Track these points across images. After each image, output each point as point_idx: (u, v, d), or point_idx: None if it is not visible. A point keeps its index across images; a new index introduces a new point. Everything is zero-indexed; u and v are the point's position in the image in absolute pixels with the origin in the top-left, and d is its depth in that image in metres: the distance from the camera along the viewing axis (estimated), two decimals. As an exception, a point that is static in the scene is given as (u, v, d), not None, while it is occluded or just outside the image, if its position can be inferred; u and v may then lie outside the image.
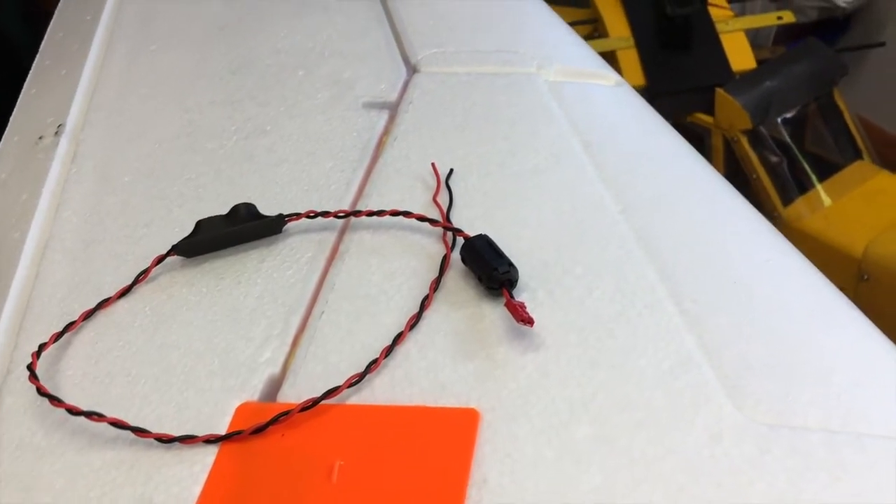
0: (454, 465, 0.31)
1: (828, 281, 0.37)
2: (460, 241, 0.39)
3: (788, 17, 1.26)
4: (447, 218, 0.41)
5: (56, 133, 0.55)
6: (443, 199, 0.43)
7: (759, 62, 1.22)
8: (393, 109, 0.51)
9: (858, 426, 0.30)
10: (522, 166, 0.44)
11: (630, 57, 1.21)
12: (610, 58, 1.25)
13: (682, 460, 0.30)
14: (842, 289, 1.04)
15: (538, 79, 0.51)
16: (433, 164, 0.44)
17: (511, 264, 0.36)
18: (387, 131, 0.49)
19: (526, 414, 0.32)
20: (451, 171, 0.44)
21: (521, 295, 0.37)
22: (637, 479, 0.29)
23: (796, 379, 0.32)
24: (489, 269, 0.36)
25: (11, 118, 0.61)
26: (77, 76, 0.61)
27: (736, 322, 0.34)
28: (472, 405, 0.32)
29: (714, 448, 0.30)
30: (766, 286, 0.36)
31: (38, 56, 0.68)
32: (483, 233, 0.39)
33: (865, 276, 1.05)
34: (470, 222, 0.41)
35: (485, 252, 0.37)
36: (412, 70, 0.54)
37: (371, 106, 0.51)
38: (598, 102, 0.50)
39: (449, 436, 0.32)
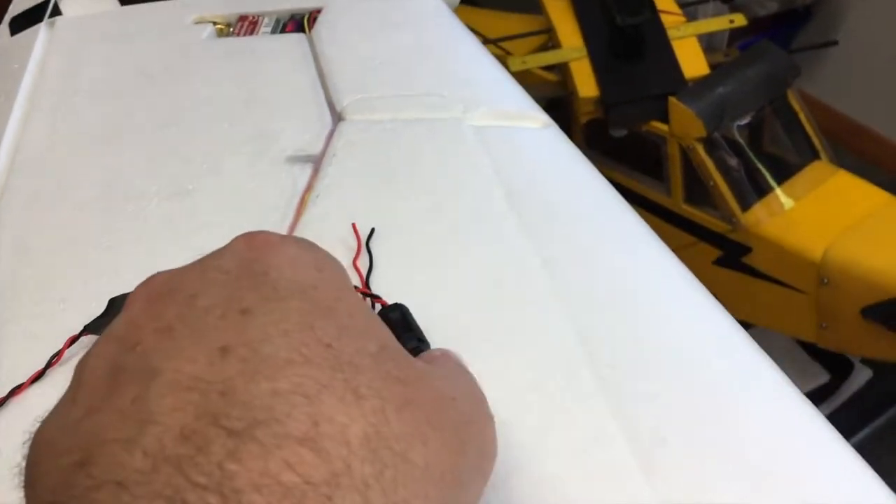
0: None
1: (754, 344, 0.36)
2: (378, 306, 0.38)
3: (740, 20, 1.26)
4: (366, 284, 0.40)
5: (-25, 198, 0.54)
6: (364, 261, 0.42)
7: (715, 66, 1.21)
8: (317, 163, 0.49)
9: (776, 502, 0.29)
10: (444, 223, 0.43)
11: (583, 67, 1.20)
12: (563, 69, 1.24)
13: (594, 547, 0.29)
14: (803, 293, 1.05)
15: (463, 124, 0.50)
16: (353, 226, 0.43)
17: (421, 339, 0.35)
18: (309, 187, 0.48)
19: (438, 501, 0.31)
20: (372, 231, 0.43)
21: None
22: (549, 570, 0.28)
23: (712, 453, 0.31)
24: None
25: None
26: (1, 134, 0.59)
27: (654, 391, 0.34)
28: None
29: (627, 532, 0.29)
30: (687, 350, 0.36)
31: (-37, 110, 0.66)
32: (400, 302, 0.38)
33: (825, 280, 1.05)
34: (390, 287, 0.40)
35: (397, 325, 0.36)
36: (337, 118, 0.53)
37: (295, 160, 0.50)
38: (524, 147, 0.49)
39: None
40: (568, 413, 0.33)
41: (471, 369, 0.35)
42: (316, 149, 0.51)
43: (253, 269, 0.22)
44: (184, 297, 0.21)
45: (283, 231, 0.45)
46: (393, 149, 0.49)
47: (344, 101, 0.53)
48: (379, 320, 0.24)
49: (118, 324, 0.22)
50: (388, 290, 0.39)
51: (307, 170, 0.49)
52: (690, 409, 0.33)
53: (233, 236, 0.45)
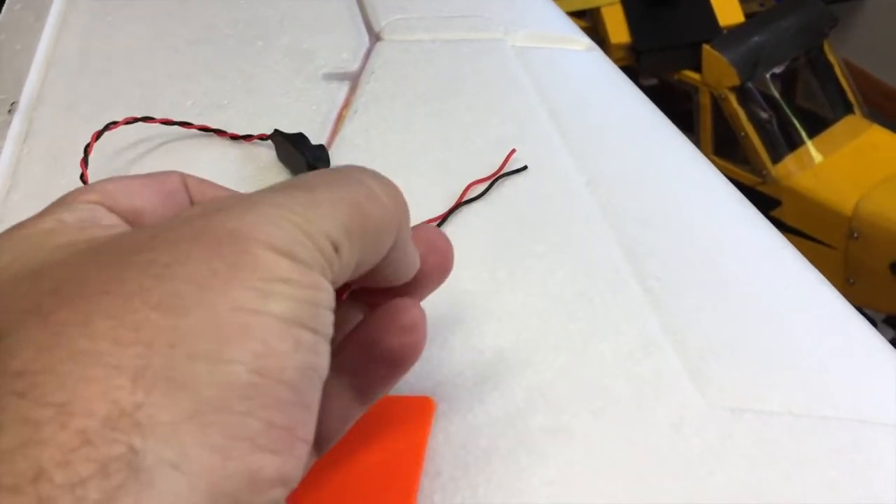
0: (408, 456, 0.30)
1: (802, 257, 0.36)
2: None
3: (777, -32, 1.22)
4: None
5: (9, 111, 0.53)
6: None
7: (748, 16, 1.18)
8: (354, 80, 0.49)
9: (823, 409, 0.29)
10: (486, 139, 0.42)
11: (615, 13, 1.18)
12: (595, 14, 1.22)
13: (641, 450, 0.28)
14: (832, 247, 1.04)
15: (505, 44, 0.49)
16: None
17: None
18: (347, 104, 0.47)
19: (482, 403, 0.31)
20: None
21: (482, 274, 0.35)
22: (594, 470, 0.28)
23: (760, 362, 0.31)
24: None
25: (-32, 94, 0.59)
26: (32, 51, 0.59)
27: (701, 303, 0.33)
28: (428, 394, 0.31)
29: (675, 436, 0.29)
30: (734, 265, 0.35)
31: (-6, 30, 0.65)
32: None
33: (856, 234, 1.03)
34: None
35: None
36: (375, 38, 0.52)
37: (331, 77, 0.49)
38: (567, 69, 0.48)
39: (403, 425, 0.31)
40: (615, 323, 0.33)
41: (515, 279, 0.35)
42: (353, 67, 0.50)
43: None
44: None
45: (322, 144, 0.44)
46: (432, 68, 0.48)
47: (382, 21, 0.52)
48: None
49: None
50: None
51: (344, 87, 0.48)
52: (739, 321, 0.32)
53: (271, 146, 0.44)
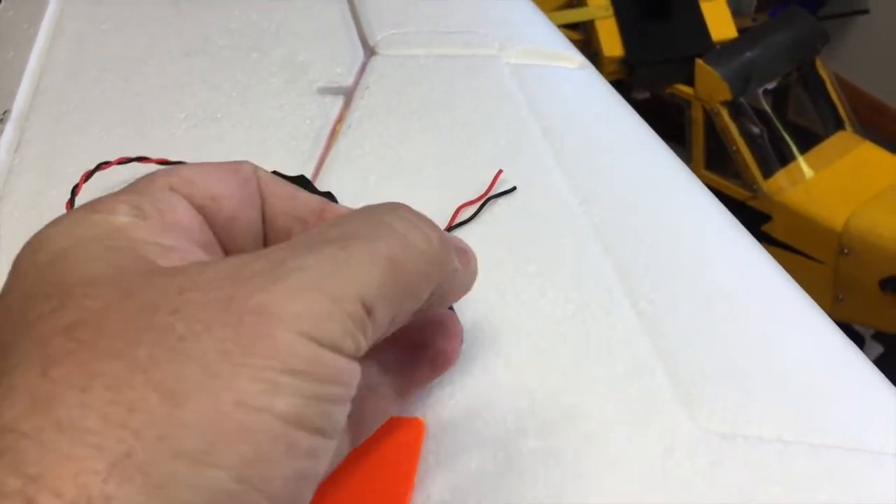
0: (397, 477, 0.29)
1: (793, 281, 0.36)
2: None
3: (770, -16, 1.23)
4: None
5: (1, 120, 0.53)
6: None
7: (742, 31, 1.19)
8: (348, 95, 0.49)
9: (814, 437, 0.29)
10: (479, 156, 0.42)
11: (609, 26, 1.18)
12: (588, 27, 1.22)
13: (632, 473, 0.28)
14: (822, 263, 1.05)
15: (499, 61, 0.49)
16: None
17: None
18: (341, 119, 0.47)
19: (472, 425, 0.31)
20: None
21: (474, 294, 0.35)
22: (585, 493, 0.28)
23: (752, 387, 0.31)
24: None
25: (-40, 102, 0.58)
26: (25, 59, 0.58)
27: (693, 326, 0.33)
28: (418, 414, 0.31)
29: (666, 460, 0.29)
30: (726, 288, 0.35)
31: (-14, 36, 0.65)
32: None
33: (846, 250, 1.04)
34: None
35: None
36: (370, 52, 0.52)
37: (326, 91, 0.49)
38: (561, 86, 0.48)
39: (393, 447, 0.30)
40: (606, 344, 0.33)
41: (505, 300, 0.35)
42: (347, 81, 0.50)
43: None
44: None
45: (314, 160, 0.44)
46: (427, 84, 0.48)
47: (377, 36, 0.52)
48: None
49: None
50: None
51: (338, 102, 0.48)
52: (731, 344, 0.32)
53: (263, 163, 0.44)
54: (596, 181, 0.41)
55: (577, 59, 0.50)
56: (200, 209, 0.22)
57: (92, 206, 0.21)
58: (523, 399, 0.31)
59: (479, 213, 0.39)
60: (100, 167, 0.42)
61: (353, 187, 0.42)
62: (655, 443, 0.29)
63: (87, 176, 0.42)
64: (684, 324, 0.33)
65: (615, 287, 0.35)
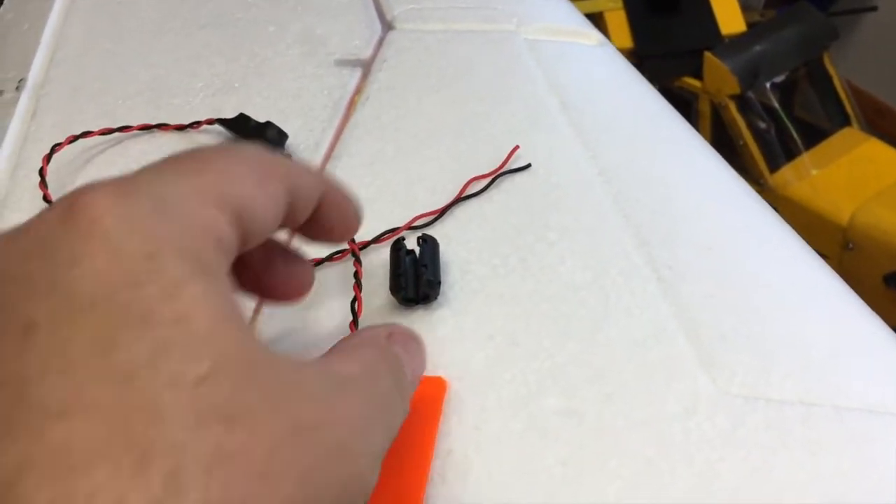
0: (420, 434, 0.30)
1: (809, 249, 0.36)
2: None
3: (780, -21, 1.24)
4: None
5: (17, 88, 0.53)
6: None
7: (750, 25, 1.19)
8: (366, 68, 0.49)
9: (836, 399, 0.29)
10: (497, 129, 0.42)
11: (618, 18, 1.18)
12: (597, 19, 1.22)
13: (652, 434, 0.29)
14: (826, 257, 1.05)
15: (517, 37, 0.49)
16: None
17: (431, 281, 0.33)
18: (359, 90, 0.47)
19: (493, 385, 0.31)
20: None
21: (493, 259, 0.35)
22: (605, 452, 0.28)
23: (773, 351, 0.31)
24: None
25: (-27, 74, 0.58)
26: (40, 30, 0.58)
27: (712, 291, 0.33)
28: (440, 374, 0.31)
29: (687, 421, 0.29)
30: (744, 254, 0.35)
31: (0, 8, 0.65)
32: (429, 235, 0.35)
33: (850, 245, 1.04)
34: (442, 186, 0.39)
35: (413, 261, 0.34)
36: (387, 27, 0.52)
37: (343, 63, 0.49)
38: (579, 62, 0.48)
39: (415, 404, 0.30)
40: (626, 309, 0.33)
41: (526, 266, 0.35)
42: (365, 54, 0.50)
43: (56, 260, 0.16)
44: None
45: (332, 130, 0.44)
46: (444, 58, 0.48)
47: (394, 10, 0.52)
48: (233, 321, 0.17)
49: None
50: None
51: (356, 74, 0.48)
52: (751, 310, 0.32)
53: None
54: (614, 154, 0.41)
55: (595, 36, 0.50)
56: (238, 225, 0.20)
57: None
58: (544, 361, 0.31)
59: (496, 187, 0.39)
60: (55, 149, 0.43)
61: (370, 156, 0.42)
62: (676, 405, 0.29)
63: (51, 155, 0.42)
64: (704, 290, 0.33)
65: (634, 254, 0.35)
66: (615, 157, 0.40)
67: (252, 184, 0.20)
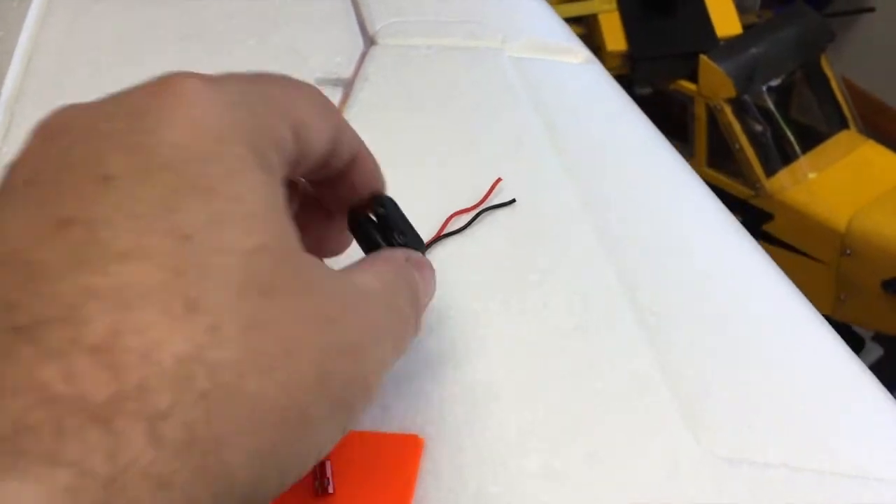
0: (395, 497, 0.28)
1: (801, 295, 0.35)
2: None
3: (777, -21, 1.22)
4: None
5: (-11, 102, 0.51)
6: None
7: (747, 27, 1.17)
8: (347, 87, 0.47)
9: (822, 463, 0.28)
10: (480, 157, 0.41)
11: (612, 20, 1.17)
12: (591, 21, 1.21)
13: (637, 495, 0.27)
14: (824, 263, 1.03)
15: (503, 54, 0.48)
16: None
17: (405, 234, 0.29)
18: (339, 111, 0.45)
19: (472, 441, 0.29)
20: None
21: (474, 304, 0.34)
22: (585, 517, 0.27)
23: (758, 407, 0.30)
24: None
25: (-50, 81, 0.57)
26: (14, 39, 0.57)
27: (697, 341, 0.32)
28: (416, 430, 0.30)
29: (669, 484, 0.28)
30: (731, 299, 0.34)
31: (-25, 16, 0.63)
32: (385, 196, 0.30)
33: (848, 251, 1.03)
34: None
35: (376, 225, 0.29)
36: (370, 42, 0.50)
37: (324, 82, 0.47)
38: (565, 82, 0.47)
39: (390, 464, 0.29)
40: (609, 359, 0.31)
41: (507, 308, 0.33)
42: (346, 72, 0.48)
43: (142, 124, 0.18)
44: (59, 147, 0.18)
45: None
46: (428, 76, 0.47)
47: (377, 25, 0.51)
48: (282, 213, 0.19)
49: None
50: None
51: (337, 93, 0.47)
52: (736, 363, 0.31)
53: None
54: (600, 185, 0.39)
55: (582, 53, 0.49)
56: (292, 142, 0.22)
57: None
58: (525, 414, 0.30)
59: (478, 222, 0.37)
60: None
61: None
62: (660, 465, 0.28)
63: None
64: (688, 339, 0.32)
65: (619, 298, 0.34)
66: (602, 188, 0.39)
67: (312, 111, 0.22)
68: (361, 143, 0.26)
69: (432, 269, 0.28)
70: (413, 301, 0.24)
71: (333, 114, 0.24)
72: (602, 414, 0.30)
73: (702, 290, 0.34)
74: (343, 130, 0.24)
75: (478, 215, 0.37)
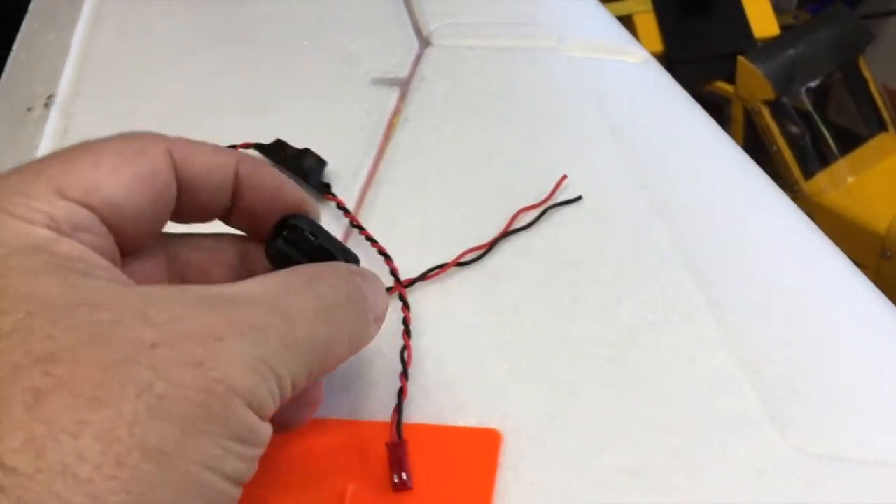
0: (475, 492, 0.28)
1: (879, 292, 0.34)
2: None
3: (813, -20, 1.21)
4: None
5: (46, 105, 0.52)
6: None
7: (784, 27, 1.17)
8: (404, 87, 0.47)
9: (919, 462, 0.27)
10: (543, 153, 0.41)
11: (648, 21, 1.16)
12: (627, 22, 1.20)
13: (724, 494, 0.27)
14: (863, 266, 1.02)
15: (559, 54, 0.48)
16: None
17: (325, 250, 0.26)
18: (397, 111, 0.46)
19: (552, 437, 0.29)
20: None
21: (547, 300, 0.34)
22: (674, 515, 0.27)
23: (847, 405, 0.29)
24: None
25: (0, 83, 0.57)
26: (67, 42, 0.57)
27: (781, 339, 0.31)
28: (494, 425, 0.30)
29: (759, 482, 0.27)
30: (813, 298, 0.33)
31: (26, 18, 0.64)
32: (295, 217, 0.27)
33: (888, 254, 1.02)
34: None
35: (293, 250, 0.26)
36: (424, 43, 0.50)
37: (380, 82, 0.47)
38: (625, 81, 0.47)
39: (469, 459, 0.29)
40: (689, 357, 0.31)
41: (581, 305, 0.33)
42: (402, 72, 0.48)
43: None
44: None
45: (372, 154, 0.43)
46: (485, 76, 0.47)
47: (431, 26, 0.51)
48: (60, 271, 0.20)
49: None
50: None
51: (394, 94, 0.47)
52: (821, 361, 0.31)
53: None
54: (667, 183, 0.39)
55: (639, 53, 0.49)
56: (97, 214, 0.22)
57: (4, 206, 0.20)
58: (605, 411, 0.30)
59: (545, 219, 0.37)
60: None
61: (411, 183, 0.40)
62: (747, 463, 0.28)
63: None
64: (772, 337, 0.32)
65: (696, 296, 0.33)
66: (671, 189, 0.38)
67: (104, 172, 0.22)
68: (245, 162, 0.25)
69: (365, 274, 0.26)
70: (330, 297, 0.23)
71: (145, 157, 0.23)
72: (685, 412, 0.29)
73: (779, 287, 0.33)
74: (179, 162, 0.24)
75: (545, 212, 0.37)
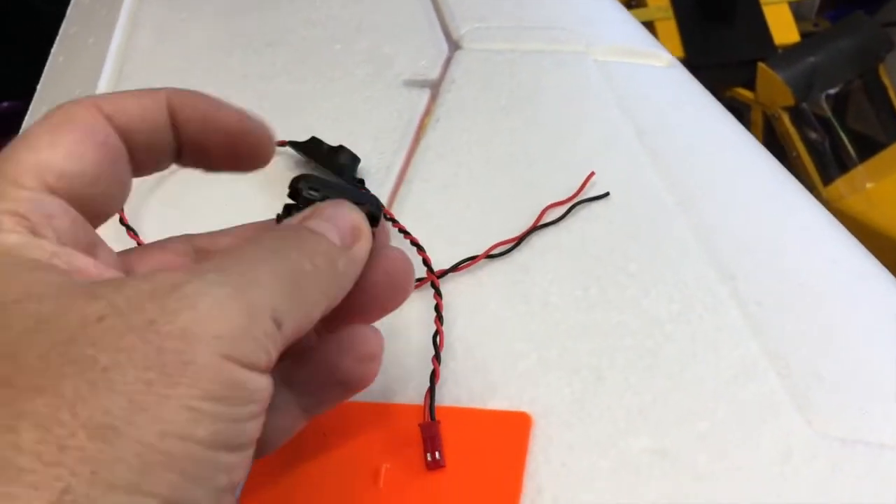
0: (506, 472, 0.29)
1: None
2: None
3: (834, -12, 1.22)
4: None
5: (86, 106, 0.54)
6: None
7: (804, 35, 1.17)
8: (434, 88, 0.48)
9: (939, 446, 0.28)
10: (571, 153, 0.42)
11: (669, 28, 1.17)
12: (648, 28, 1.21)
13: (749, 477, 0.28)
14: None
15: (587, 58, 0.49)
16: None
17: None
18: (428, 112, 0.47)
19: (580, 421, 0.30)
20: None
21: (575, 292, 0.35)
22: (699, 495, 0.28)
23: (870, 391, 0.30)
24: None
25: (39, 87, 0.59)
26: (105, 46, 0.59)
27: (803, 327, 0.32)
28: (524, 409, 0.31)
29: (784, 465, 0.28)
30: (834, 288, 0.34)
31: (64, 22, 0.66)
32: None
33: (907, 260, 1.02)
34: (517, 212, 0.39)
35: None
36: (454, 46, 0.51)
37: (412, 84, 0.49)
38: (651, 85, 0.48)
39: (500, 440, 0.30)
40: (714, 345, 0.32)
41: (607, 298, 0.34)
42: (433, 75, 0.50)
43: None
44: None
45: (403, 152, 0.44)
46: (514, 80, 0.48)
47: (461, 30, 0.52)
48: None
49: None
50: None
51: (425, 95, 0.48)
52: (844, 348, 0.32)
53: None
54: (694, 182, 0.40)
55: (665, 57, 0.50)
56: (57, 194, 0.21)
57: None
58: (632, 397, 0.31)
59: (573, 215, 0.38)
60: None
61: (442, 180, 0.42)
62: (772, 447, 0.29)
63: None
64: (795, 326, 0.33)
65: (719, 288, 0.34)
66: (695, 186, 0.40)
67: (45, 150, 0.21)
68: (175, 95, 0.24)
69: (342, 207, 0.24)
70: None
71: (77, 121, 0.21)
72: (710, 399, 0.30)
73: (800, 279, 0.34)
74: (114, 114, 0.22)
75: (573, 207, 0.39)
